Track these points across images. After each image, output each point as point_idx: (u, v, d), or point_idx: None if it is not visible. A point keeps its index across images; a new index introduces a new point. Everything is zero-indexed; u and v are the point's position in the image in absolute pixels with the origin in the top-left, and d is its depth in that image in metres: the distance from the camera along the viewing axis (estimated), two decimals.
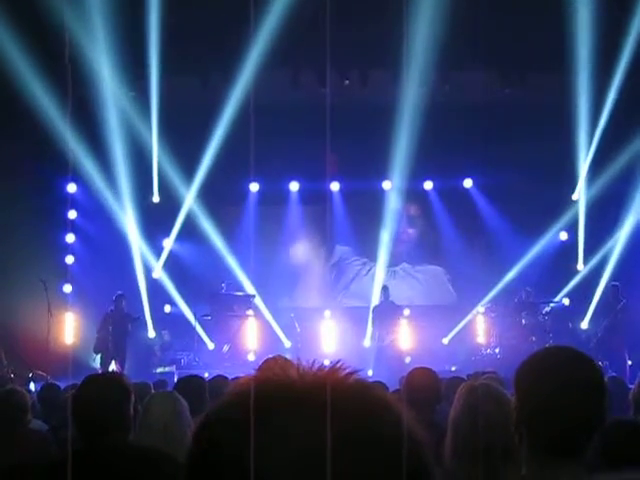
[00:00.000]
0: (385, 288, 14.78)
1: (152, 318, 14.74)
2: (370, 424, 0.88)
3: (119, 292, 13.66)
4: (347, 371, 0.94)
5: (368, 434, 0.87)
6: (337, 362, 0.95)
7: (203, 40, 12.60)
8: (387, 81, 13.96)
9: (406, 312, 14.91)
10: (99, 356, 13.32)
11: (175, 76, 13.56)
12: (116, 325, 13.24)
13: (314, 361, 0.96)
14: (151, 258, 15.09)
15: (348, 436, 0.85)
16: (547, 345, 2.23)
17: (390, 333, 14.26)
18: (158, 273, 15.17)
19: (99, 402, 3.14)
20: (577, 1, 11.99)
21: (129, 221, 14.59)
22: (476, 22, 11.94)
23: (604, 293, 14.22)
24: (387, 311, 14.41)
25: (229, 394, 0.93)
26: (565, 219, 15.38)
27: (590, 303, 14.42)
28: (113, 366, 12.96)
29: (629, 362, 13.14)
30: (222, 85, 14.03)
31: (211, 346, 14.84)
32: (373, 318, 14.61)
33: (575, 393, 1.94)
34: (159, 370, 13.40)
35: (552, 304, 14.77)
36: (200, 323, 14.71)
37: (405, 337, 14.54)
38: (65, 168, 14.35)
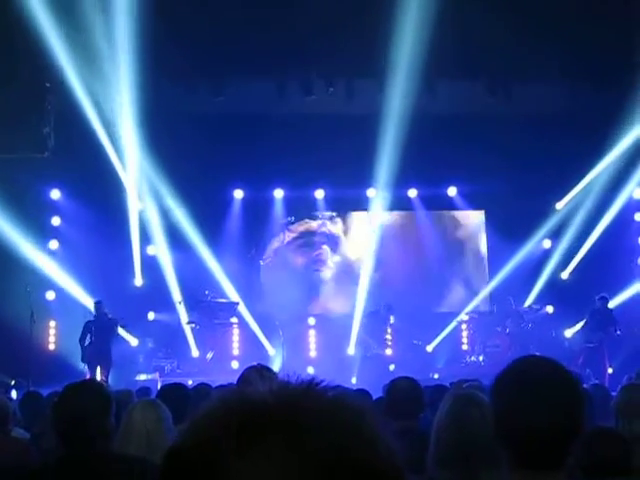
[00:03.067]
0: (388, 306, 14.66)
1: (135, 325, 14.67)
2: (343, 447, 0.85)
3: (96, 299, 13.59)
4: (324, 389, 0.92)
5: (341, 458, 0.84)
6: (313, 379, 0.92)
7: (190, 48, 12.58)
8: (372, 90, 13.99)
9: (391, 319, 14.92)
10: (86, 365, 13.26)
11: (161, 83, 13.51)
12: (99, 333, 13.16)
13: (291, 376, 0.94)
14: (134, 265, 15.06)
15: (321, 461, 0.83)
16: (521, 356, 2.22)
17: (380, 343, 14.26)
18: (140, 281, 15.15)
19: (79, 411, 3.12)
20: (561, 15, 12.07)
21: (113, 228, 14.57)
22: (461, 33, 12.01)
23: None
24: (379, 321, 14.41)
25: (199, 419, 0.90)
26: (548, 227, 15.47)
27: (575, 311, 14.40)
28: (98, 374, 12.90)
29: (609, 370, 13.22)
30: (208, 93, 14.07)
31: (195, 353, 14.81)
32: (364, 324, 14.58)
33: (551, 405, 1.94)
34: (142, 377, 13.34)
35: (535, 312, 14.83)
36: (185, 330, 14.70)
37: (389, 344, 14.57)
38: (49, 175, 14.34)
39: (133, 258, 15.01)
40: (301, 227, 16.31)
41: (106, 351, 13.16)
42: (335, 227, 16.37)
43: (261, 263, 16.11)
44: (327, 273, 16.29)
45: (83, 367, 13.22)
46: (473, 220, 16.48)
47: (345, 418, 0.89)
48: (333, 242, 16.41)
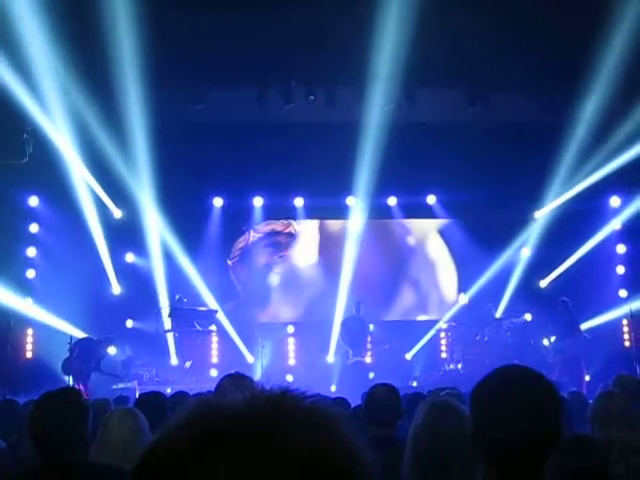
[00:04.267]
0: (357, 304, 14.71)
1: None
2: (314, 452, 0.86)
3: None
4: (297, 396, 0.92)
5: (311, 464, 0.85)
6: (286, 387, 0.93)
7: (169, 56, 12.55)
8: (352, 98, 14.03)
9: (370, 327, 14.95)
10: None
11: (142, 92, 13.45)
12: (81, 351, 13.19)
13: (267, 384, 0.94)
14: (113, 273, 15.03)
15: (291, 466, 0.84)
16: (501, 365, 2.23)
17: (357, 350, 14.26)
18: (117, 288, 15.09)
19: (55, 420, 3.10)
20: (540, 26, 12.14)
21: (92, 236, 14.54)
22: (441, 42, 12.06)
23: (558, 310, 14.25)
24: (356, 326, 14.41)
25: (169, 429, 0.90)
26: (527, 236, 15.57)
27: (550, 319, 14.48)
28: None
29: (587, 377, 13.30)
30: (188, 101, 14.04)
31: (174, 361, 14.75)
32: (341, 332, 14.59)
33: (529, 414, 1.96)
34: (120, 386, 13.26)
35: (514, 320, 14.89)
36: (164, 338, 14.65)
37: (369, 352, 14.60)
38: (27, 181, 14.24)
39: (109, 266, 14.97)
40: (267, 227, 16.30)
41: (81, 371, 13.12)
42: (300, 228, 16.38)
43: (229, 263, 16.09)
44: (275, 278, 16.31)
45: (64, 377, 13.11)
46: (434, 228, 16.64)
47: (316, 423, 0.89)
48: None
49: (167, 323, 14.71)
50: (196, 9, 11.67)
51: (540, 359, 13.40)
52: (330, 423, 0.90)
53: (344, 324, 14.63)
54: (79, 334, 13.62)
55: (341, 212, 15.92)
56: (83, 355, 13.07)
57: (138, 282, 14.97)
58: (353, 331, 14.37)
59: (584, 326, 14.19)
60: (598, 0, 11.32)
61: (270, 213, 16.13)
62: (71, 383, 12.88)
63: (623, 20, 11.73)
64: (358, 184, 14.90)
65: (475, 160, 14.32)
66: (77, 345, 13.14)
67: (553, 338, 13.93)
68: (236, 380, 3.71)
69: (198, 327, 14.66)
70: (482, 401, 2.06)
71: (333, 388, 13.43)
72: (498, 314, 15.05)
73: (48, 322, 13.98)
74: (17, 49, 11.76)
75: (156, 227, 14.91)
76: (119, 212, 15.23)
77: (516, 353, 13.92)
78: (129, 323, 15.03)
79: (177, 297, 14.70)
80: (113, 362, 14.22)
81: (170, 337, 14.75)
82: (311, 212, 16.14)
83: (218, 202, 15.92)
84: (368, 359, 14.50)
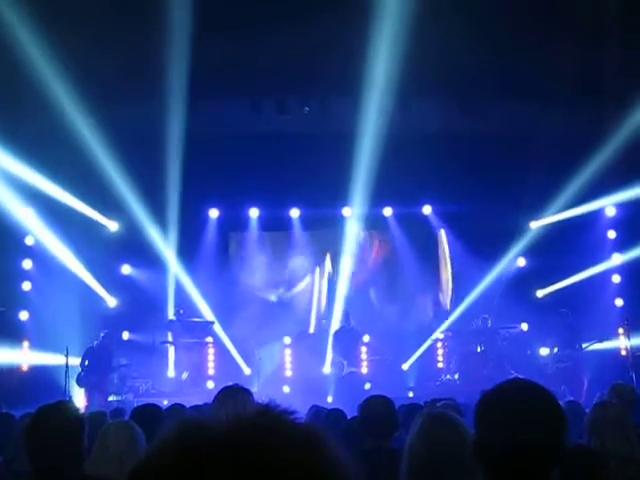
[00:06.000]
0: (346, 314, 14.78)
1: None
2: (305, 470, 0.87)
3: (106, 331, 13.62)
4: (284, 414, 0.94)
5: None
6: (270, 404, 0.95)
7: (163, 67, 12.57)
8: (347, 109, 14.06)
9: (366, 338, 14.92)
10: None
11: (135, 104, 13.47)
12: (96, 361, 13.20)
13: (264, 399, 0.95)
14: (108, 286, 15.02)
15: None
16: (507, 378, 2.24)
17: (351, 360, 14.25)
18: (112, 301, 15.08)
19: (51, 434, 3.09)
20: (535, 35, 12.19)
21: (88, 248, 14.53)
22: (436, 51, 12.10)
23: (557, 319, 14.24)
24: (347, 337, 14.41)
25: (155, 446, 0.92)
26: (523, 246, 15.58)
27: (550, 330, 14.45)
28: (81, 397, 12.94)
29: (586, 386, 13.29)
30: (181, 113, 14.04)
31: (171, 373, 14.71)
32: (333, 344, 14.61)
33: (533, 429, 1.96)
34: (115, 398, 13.23)
35: (510, 330, 14.88)
36: (160, 350, 14.62)
37: (365, 363, 14.58)
38: (22, 193, 14.23)
39: (105, 279, 14.97)
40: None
41: (100, 378, 13.17)
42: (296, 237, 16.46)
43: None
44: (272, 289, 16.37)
45: (61, 390, 13.07)
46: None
47: (303, 438, 0.91)
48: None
49: (170, 334, 14.70)
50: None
51: (537, 369, 13.38)
52: (315, 438, 0.92)
53: (335, 335, 14.66)
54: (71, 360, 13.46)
55: (337, 222, 15.92)
56: (94, 365, 13.15)
57: (134, 294, 14.95)
58: (344, 342, 14.38)
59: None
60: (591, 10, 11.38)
61: (266, 224, 16.14)
62: (83, 396, 12.97)
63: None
64: (354, 195, 14.92)
65: (471, 170, 14.34)
66: (85, 358, 13.21)
67: (556, 349, 13.91)
68: (234, 393, 3.71)
69: (194, 339, 14.63)
70: (485, 413, 2.07)
71: (329, 399, 13.40)
72: (494, 324, 15.02)
73: (45, 335, 13.93)
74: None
75: (152, 239, 14.89)
76: (115, 225, 15.24)
77: (513, 363, 13.90)
78: (125, 335, 15.00)
79: (181, 311, 14.71)
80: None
81: (170, 349, 14.72)
82: (307, 223, 16.15)
83: (214, 213, 15.93)
84: (364, 369, 14.49)
